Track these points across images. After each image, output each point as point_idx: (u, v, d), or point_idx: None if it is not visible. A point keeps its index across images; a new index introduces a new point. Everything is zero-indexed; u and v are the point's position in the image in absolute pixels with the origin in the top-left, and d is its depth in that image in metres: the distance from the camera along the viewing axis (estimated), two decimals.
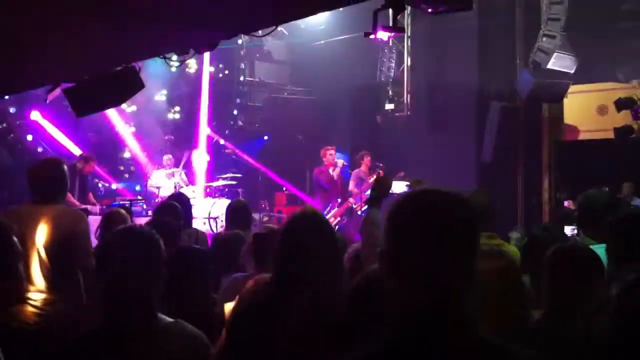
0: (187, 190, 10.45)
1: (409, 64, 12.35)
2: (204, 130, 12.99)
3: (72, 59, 4.99)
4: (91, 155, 9.98)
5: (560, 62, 8.33)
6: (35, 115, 11.35)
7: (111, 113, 11.94)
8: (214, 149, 13.10)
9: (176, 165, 11.68)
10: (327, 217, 9.25)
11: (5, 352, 2.29)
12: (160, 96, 13.63)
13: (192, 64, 13.42)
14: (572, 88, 9.29)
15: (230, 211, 5.25)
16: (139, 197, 11.30)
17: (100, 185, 11.61)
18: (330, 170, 10.25)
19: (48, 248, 3.59)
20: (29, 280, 3.46)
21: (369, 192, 3.64)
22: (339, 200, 10.16)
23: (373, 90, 13.37)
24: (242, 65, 15.22)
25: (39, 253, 3.58)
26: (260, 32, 4.91)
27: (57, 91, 6.00)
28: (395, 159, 11.43)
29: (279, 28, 11.89)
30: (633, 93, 9.89)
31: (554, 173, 10.90)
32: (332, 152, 10.38)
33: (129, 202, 9.97)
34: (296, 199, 13.30)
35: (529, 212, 10.80)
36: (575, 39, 8.50)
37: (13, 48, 4.33)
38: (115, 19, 3.75)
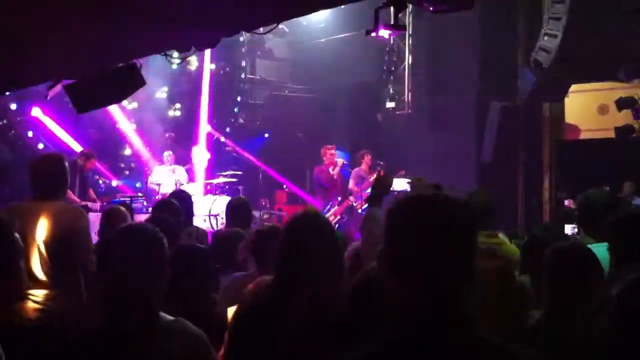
0: (187, 188, 10.44)
1: (410, 62, 12.34)
2: (205, 127, 12.99)
3: (72, 58, 4.98)
4: (92, 152, 9.95)
5: None
6: (36, 112, 11.32)
7: (113, 109, 11.93)
8: (214, 146, 13.09)
9: (177, 162, 11.67)
10: (327, 215, 9.26)
11: (7, 350, 2.29)
12: (161, 93, 13.60)
13: (193, 61, 13.39)
14: (573, 87, 9.29)
15: (230, 209, 5.24)
16: (140, 194, 11.28)
17: (100, 182, 11.59)
18: (331, 170, 10.24)
19: (48, 244, 3.60)
20: (30, 276, 3.47)
21: (369, 190, 3.63)
22: (339, 198, 10.16)
23: (374, 88, 13.36)
24: (243, 63, 15.18)
25: (39, 249, 3.59)
26: (261, 29, 4.90)
27: (58, 88, 5.98)
28: (396, 157, 11.40)
29: (280, 25, 11.90)
30: (634, 92, 9.89)
31: (555, 172, 10.90)
32: (333, 151, 10.37)
33: (129, 199, 9.96)
34: (296, 196, 13.30)
35: (530, 212, 10.80)
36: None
37: (13, 48, 4.32)
38: (115, 19, 3.74)
